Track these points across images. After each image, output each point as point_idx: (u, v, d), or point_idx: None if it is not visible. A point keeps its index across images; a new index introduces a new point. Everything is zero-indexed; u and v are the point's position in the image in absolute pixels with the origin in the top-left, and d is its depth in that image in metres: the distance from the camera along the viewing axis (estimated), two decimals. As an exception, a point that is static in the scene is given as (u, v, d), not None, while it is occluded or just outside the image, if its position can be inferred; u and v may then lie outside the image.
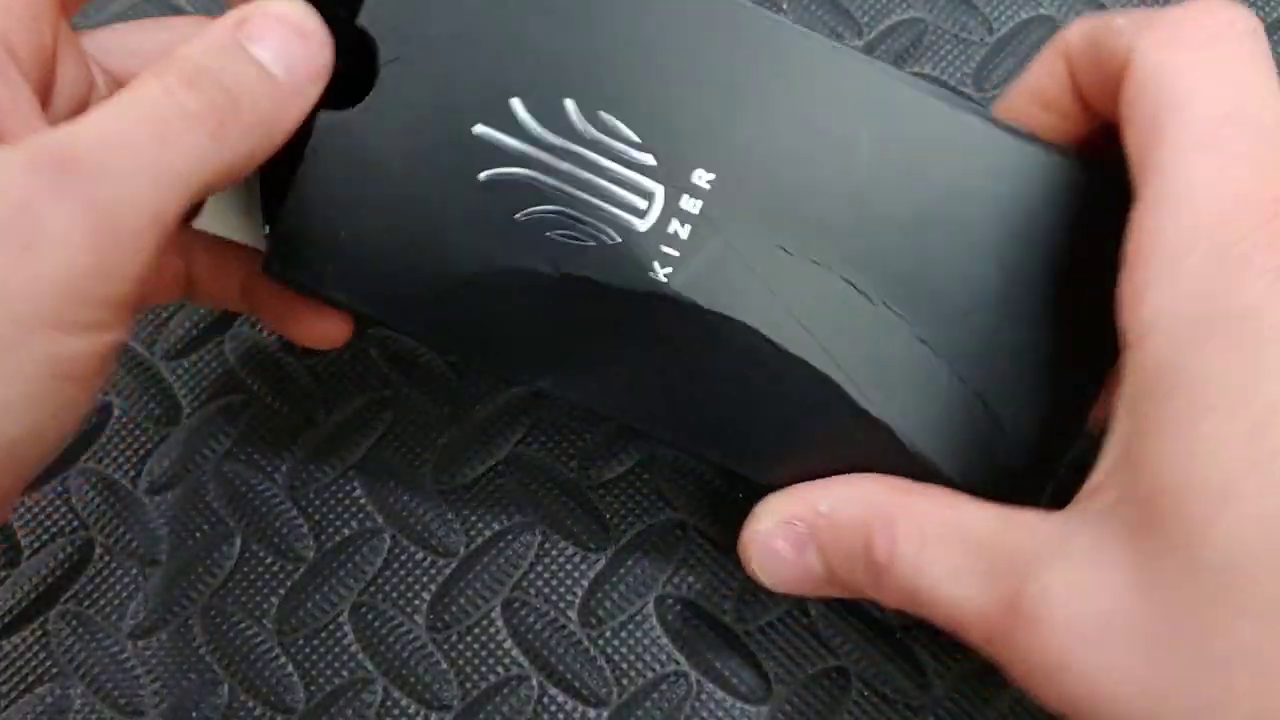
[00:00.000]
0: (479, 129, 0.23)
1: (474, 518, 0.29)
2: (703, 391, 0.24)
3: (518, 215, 0.23)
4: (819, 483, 0.24)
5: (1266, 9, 0.34)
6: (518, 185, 0.23)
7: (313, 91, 0.22)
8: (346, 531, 0.29)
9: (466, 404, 0.30)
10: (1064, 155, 0.23)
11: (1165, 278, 0.19)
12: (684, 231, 0.23)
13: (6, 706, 0.27)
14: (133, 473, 0.30)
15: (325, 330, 0.26)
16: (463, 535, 0.29)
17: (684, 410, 0.24)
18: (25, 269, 0.18)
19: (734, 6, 0.23)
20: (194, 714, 0.28)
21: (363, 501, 0.29)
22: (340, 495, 0.29)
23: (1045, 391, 0.24)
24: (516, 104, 0.23)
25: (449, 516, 0.29)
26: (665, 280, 0.23)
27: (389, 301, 0.24)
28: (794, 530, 0.24)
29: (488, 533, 0.29)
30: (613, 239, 0.23)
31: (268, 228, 0.24)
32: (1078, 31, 0.23)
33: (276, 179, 0.23)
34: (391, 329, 0.24)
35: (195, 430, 0.30)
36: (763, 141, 0.23)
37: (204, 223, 0.26)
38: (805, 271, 0.24)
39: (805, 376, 0.24)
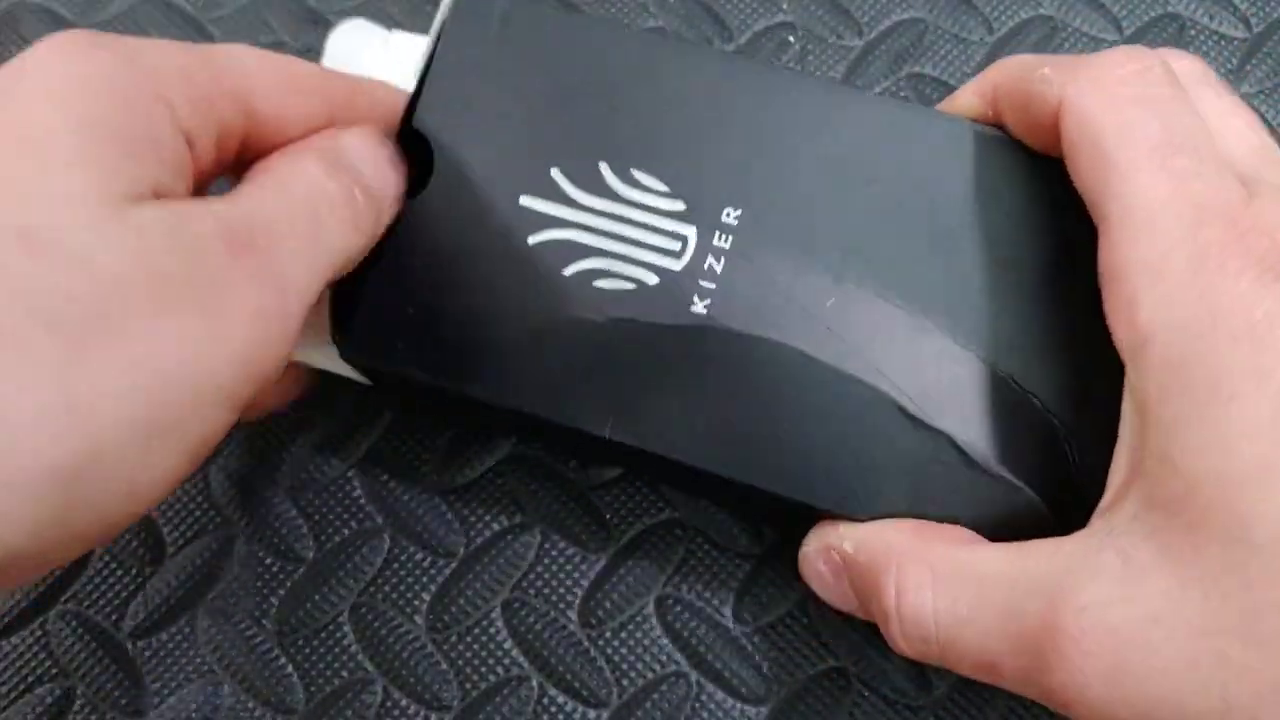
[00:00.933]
0: (525, 200, 0.25)
1: (474, 518, 0.29)
2: (756, 420, 0.24)
3: (566, 271, 0.25)
4: (854, 523, 0.24)
5: (1266, 9, 0.34)
6: (564, 244, 0.25)
7: (392, 214, 0.24)
8: (346, 531, 0.29)
9: (466, 404, 0.30)
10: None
11: (1152, 287, 0.20)
12: (719, 266, 0.25)
13: (6, 706, 0.28)
14: (133, 473, 0.30)
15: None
16: (463, 535, 0.29)
17: (741, 441, 0.24)
18: (212, 341, 0.18)
19: (735, 62, 0.26)
20: (194, 714, 0.28)
21: (363, 501, 0.29)
22: (340, 495, 0.29)
23: (1095, 390, 0.24)
24: (556, 173, 0.25)
25: (449, 516, 0.29)
26: (705, 312, 0.24)
27: (456, 369, 0.25)
28: (832, 558, 0.24)
29: (488, 533, 0.29)
30: (652, 281, 0.25)
31: (334, 322, 0.25)
32: (1005, 76, 0.25)
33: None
34: (458, 400, 0.25)
35: (195, 430, 0.30)
36: (782, 175, 0.25)
37: (307, 356, 0.26)
38: (841, 291, 0.24)
39: (857, 393, 0.24)
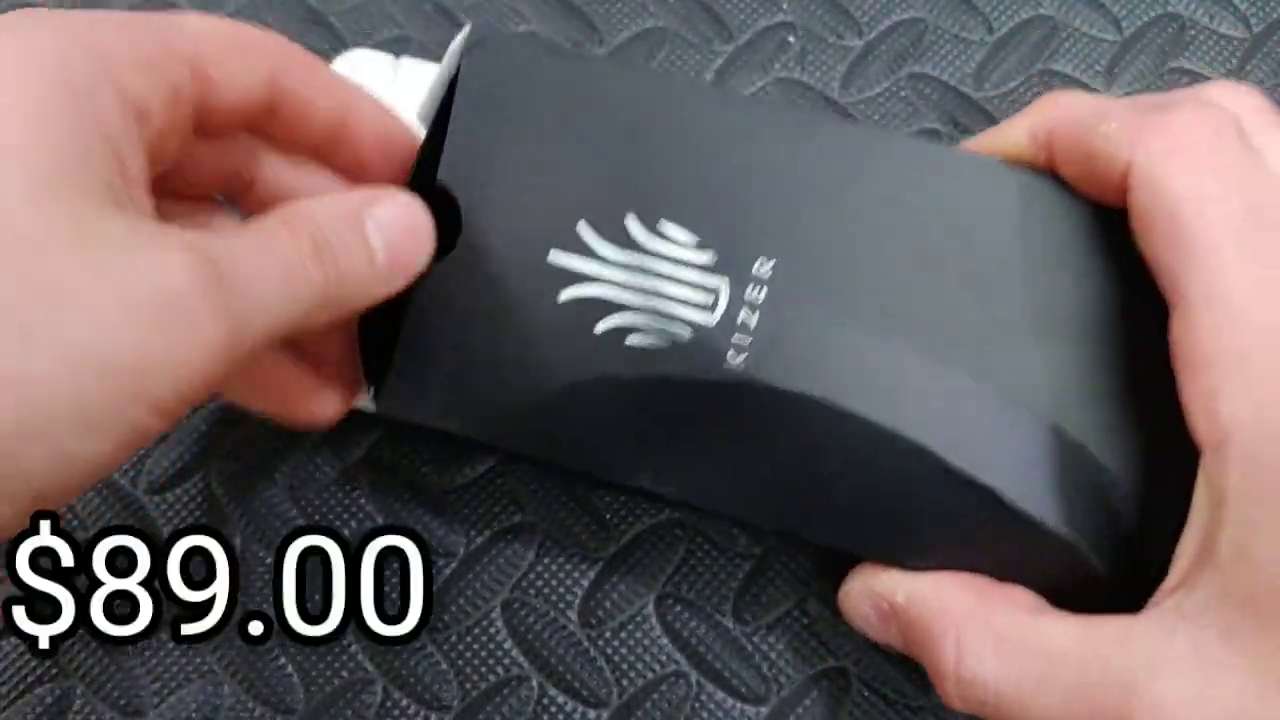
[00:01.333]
0: (553, 256, 0.25)
1: (474, 518, 0.29)
2: (797, 474, 0.24)
3: (596, 329, 0.25)
4: (906, 573, 0.24)
5: (1266, 9, 0.34)
6: (593, 301, 0.25)
7: (401, 283, 0.23)
8: (345, 532, 0.29)
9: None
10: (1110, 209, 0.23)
11: (1234, 382, 0.20)
12: (753, 320, 0.24)
13: (6, 706, 0.28)
14: (132, 473, 0.30)
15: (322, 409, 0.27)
16: (463, 535, 0.29)
17: (782, 495, 0.24)
18: (156, 349, 0.18)
19: (761, 106, 0.25)
20: (194, 714, 0.28)
21: (362, 501, 0.29)
22: (340, 495, 0.29)
23: (1149, 440, 0.23)
24: (583, 226, 0.25)
25: (449, 516, 0.29)
26: (740, 368, 0.24)
27: (492, 423, 0.25)
28: (880, 605, 0.24)
29: (488, 533, 0.29)
30: (685, 337, 0.24)
31: (367, 376, 0.26)
32: (1065, 124, 0.24)
33: (372, 326, 0.25)
34: (496, 448, 0.26)
35: (195, 430, 0.30)
36: (816, 223, 0.24)
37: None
38: (879, 343, 0.24)
39: (897, 447, 0.24)
